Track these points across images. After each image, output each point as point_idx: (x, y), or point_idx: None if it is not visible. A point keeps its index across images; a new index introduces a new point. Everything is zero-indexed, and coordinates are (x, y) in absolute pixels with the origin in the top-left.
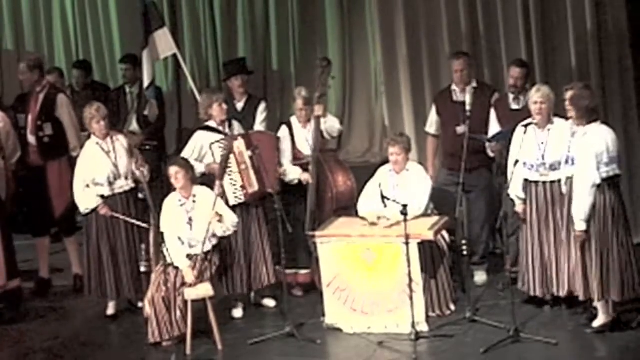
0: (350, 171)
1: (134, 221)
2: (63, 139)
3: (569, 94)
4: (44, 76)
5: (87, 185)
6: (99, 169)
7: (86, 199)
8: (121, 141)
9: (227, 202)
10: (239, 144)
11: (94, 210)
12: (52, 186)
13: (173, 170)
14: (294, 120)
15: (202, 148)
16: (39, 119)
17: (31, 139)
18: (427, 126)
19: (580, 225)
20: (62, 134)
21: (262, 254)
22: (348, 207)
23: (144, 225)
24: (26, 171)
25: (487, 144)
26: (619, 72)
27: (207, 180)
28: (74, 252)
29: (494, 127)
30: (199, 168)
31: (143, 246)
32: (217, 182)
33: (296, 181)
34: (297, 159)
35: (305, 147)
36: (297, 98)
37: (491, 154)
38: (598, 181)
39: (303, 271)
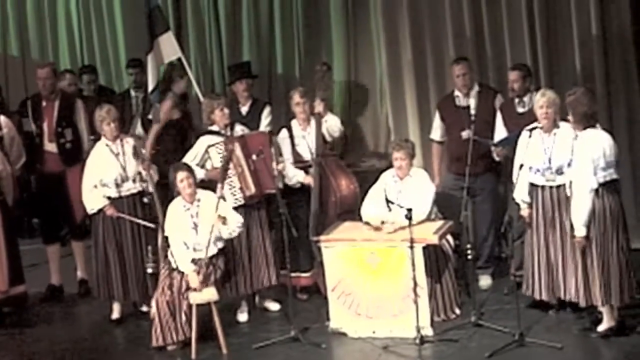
0: (352, 175)
1: (140, 221)
2: (80, 143)
3: (568, 99)
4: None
5: (95, 186)
6: (107, 170)
7: (93, 199)
8: (131, 144)
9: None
10: (235, 147)
11: (101, 210)
12: (74, 191)
13: (182, 175)
14: (294, 123)
15: (204, 153)
16: (58, 126)
17: (50, 146)
18: (431, 133)
19: (580, 231)
20: (79, 139)
21: (263, 256)
22: (352, 211)
23: (151, 225)
24: (42, 179)
25: (493, 148)
26: (624, 77)
27: (206, 186)
28: (81, 257)
29: (500, 132)
30: (199, 174)
31: (150, 247)
32: (219, 185)
33: (299, 184)
34: (298, 162)
35: (305, 151)
36: (293, 95)
37: (497, 158)
38: (595, 186)
39: (305, 274)
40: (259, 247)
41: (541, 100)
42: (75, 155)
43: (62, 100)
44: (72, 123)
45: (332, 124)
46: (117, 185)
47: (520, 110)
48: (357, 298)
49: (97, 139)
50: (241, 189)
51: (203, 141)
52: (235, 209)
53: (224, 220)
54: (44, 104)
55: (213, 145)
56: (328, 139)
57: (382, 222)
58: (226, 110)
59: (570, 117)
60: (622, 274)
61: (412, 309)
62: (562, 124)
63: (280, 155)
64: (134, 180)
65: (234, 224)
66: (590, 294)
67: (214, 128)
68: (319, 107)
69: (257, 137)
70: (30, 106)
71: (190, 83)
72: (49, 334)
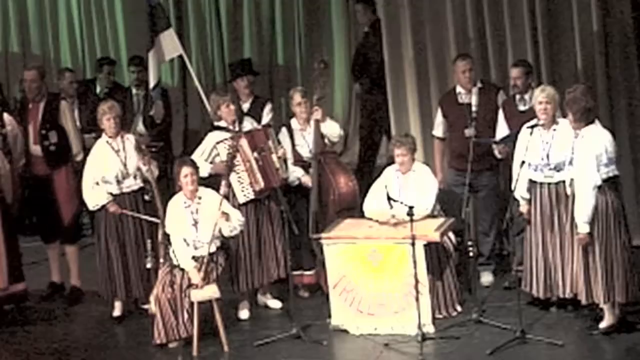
0: (351, 172)
1: (143, 216)
2: (67, 145)
3: (567, 97)
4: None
5: (97, 183)
6: (108, 167)
7: (95, 195)
8: (131, 141)
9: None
10: (243, 143)
11: (103, 207)
12: (60, 194)
13: (187, 170)
14: (293, 122)
15: (212, 149)
16: (42, 128)
17: (35, 149)
18: (433, 129)
19: (583, 228)
20: (66, 141)
21: (272, 249)
22: (351, 208)
23: (154, 219)
24: (31, 181)
25: (495, 146)
26: (625, 74)
27: (213, 181)
28: (74, 263)
29: (502, 129)
30: (207, 169)
31: (149, 241)
32: (224, 182)
33: (297, 181)
34: (297, 161)
35: (305, 150)
36: (293, 94)
37: (499, 156)
38: (599, 182)
39: (307, 272)
40: (268, 239)
41: (540, 96)
42: (60, 158)
43: (47, 102)
44: (57, 125)
45: (331, 131)
46: (118, 182)
47: (522, 108)
48: (359, 295)
49: (98, 136)
50: (250, 184)
51: (211, 137)
52: (246, 204)
53: (227, 216)
54: (30, 106)
55: (221, 141)
56: (327, 143)
57: (393, 216)
58: (232, 106)
59: (569, 117)
60: (626, 271)
61: (413, 306)
62: (561, 120)
63: (279, 143)
64: (134, 177)
65: (236, 222)
66: (592, 291)
67: (222, 124)
68: (317, 115)
69: (260, 133)
70: (17, 108)
71: None
72: (50, 332)
